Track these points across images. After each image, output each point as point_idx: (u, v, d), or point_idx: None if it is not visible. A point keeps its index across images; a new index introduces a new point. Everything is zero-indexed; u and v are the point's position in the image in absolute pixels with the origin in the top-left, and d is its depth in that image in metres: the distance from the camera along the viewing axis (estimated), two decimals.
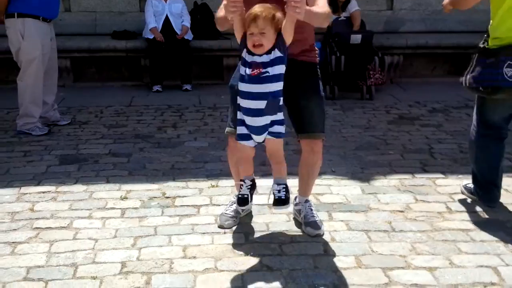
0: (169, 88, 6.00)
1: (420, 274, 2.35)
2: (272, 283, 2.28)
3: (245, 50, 2.24)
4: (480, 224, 2.82)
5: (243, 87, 2.22)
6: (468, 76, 2.85)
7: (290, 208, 2.93)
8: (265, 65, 2.17)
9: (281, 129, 2.30)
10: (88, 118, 4.93)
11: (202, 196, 3.19)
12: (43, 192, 3.23)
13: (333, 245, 2.60)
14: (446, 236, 2.68)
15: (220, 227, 2.74)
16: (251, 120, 2.26)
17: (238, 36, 2.29)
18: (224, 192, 3.22)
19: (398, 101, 5.59)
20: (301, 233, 2.72)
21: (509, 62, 2.64)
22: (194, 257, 2.50)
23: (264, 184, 3.30)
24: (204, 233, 2.73)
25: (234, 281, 2.30)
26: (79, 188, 3.30)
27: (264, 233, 2.74)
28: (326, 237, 2.68)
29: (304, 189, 2.84)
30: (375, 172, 3.57)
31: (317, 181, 3.33)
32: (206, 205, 3.07)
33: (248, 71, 2.19)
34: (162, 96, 5.80)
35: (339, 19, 5.91)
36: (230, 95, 2.58)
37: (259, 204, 3.03)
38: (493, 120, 2.94)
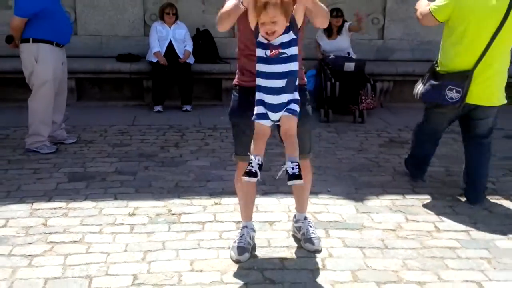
0: (170, 108, 6.22)
1: None
2: None
3: (259, 34, 2.31)
4: (466, 242, 3.03)
5: (263, 68, 2.31)
6: (419, 90, 3.67)
7: (290, 225, 3.14)
8: (283, 46, 2.28)
9: (296, 107, 2.39)
10: (93, 137, 5.12)
11: (206, 213, 3.38)
12: (55, 208, 3.40)
13: (331, 261, 2.80)
14: (434, 253, 2.89)
15: (237, 261, 2.73)
16: (271, 98, 2.35)
17: (253, 22, 2.34)
18: (227, 209, 3.42)
19: (388, 124, 5.85)
20: (300, 249, 2.91)
21: (450, 86, 3.43)
22: (201, 270, 2.68)
23: (264, 203, 3.51)
24: (209, 248, 2.92)
25: None
26: (88, 204, 3.48)
27: (266, 248, 2.93)
28: (324, 253, 2.87)
29: (301, 205, 3.03)
30: (368, 192, 3.79)
31: (314, 200, 3.56)
32: (211, 221, 3.26)
33: (267, 52, 2.29)
34: (163, 116, 6.01)
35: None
36: (233, 129, 2.78)
37: (260, 222, 3.23)
38: (432, 125, 3.79)
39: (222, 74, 6.47)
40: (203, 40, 6.51)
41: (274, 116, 2.39)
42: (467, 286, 2.58)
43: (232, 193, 3.52)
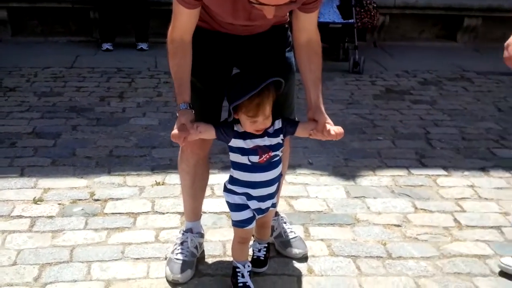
0: (122, 47, 5.17)
1: None
2: None
3: (236, 137, 1.71)
4: (502, 247, 2.17)
5: (251, 177, 1.74)
6: None
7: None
8: (274, 148, 1.73)
9: (276, 199, 1.92)
10: (17, 83, 4.10)
11: (142, 198, 2.46)
12: None
13: (311, 281, 1.93)
14: (458, 266, 2.04)
15: (174, 281, 1.88)
16: (262, 204, 1.80)
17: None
18: (171, 193, 2.50)
19: (384, 69, 4.89)
20: (270, 259, 2.03)
21: None
22: None
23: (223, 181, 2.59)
24: (137, 258, 2.02)
25: None
26: None
27: (220, 258, 2.05)
28: (302, 268, 2.00)
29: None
30: (362, 165, 2.90)
31: (290, 177, 2.66)
32: (146, 212, 2.35)
33: (254, 158, 1.72)
34: (113, 56, 4.96)
35: None
36: None
37: (215, 213, 2.34)
38: None
39: None
40: None
41: (263, 205, 1.80)
42: None
43: None
